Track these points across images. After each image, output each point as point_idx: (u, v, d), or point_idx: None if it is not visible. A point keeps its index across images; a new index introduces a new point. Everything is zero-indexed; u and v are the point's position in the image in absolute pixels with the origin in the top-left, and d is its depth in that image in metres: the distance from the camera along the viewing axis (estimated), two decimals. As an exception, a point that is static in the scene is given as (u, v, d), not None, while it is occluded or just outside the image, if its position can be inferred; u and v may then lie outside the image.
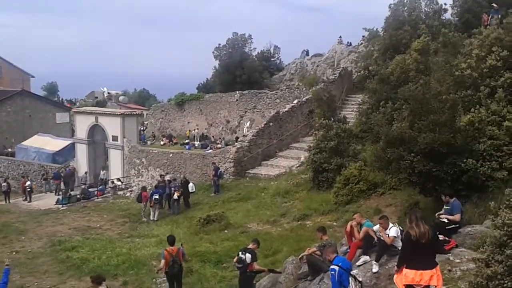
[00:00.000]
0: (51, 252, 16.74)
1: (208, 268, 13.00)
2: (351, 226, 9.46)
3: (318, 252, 9.44)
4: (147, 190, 22.08)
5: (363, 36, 37.17)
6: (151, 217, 20.44)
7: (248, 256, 9.68)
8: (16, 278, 14.16)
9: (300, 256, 9.83)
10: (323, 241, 9.45)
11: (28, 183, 29.04)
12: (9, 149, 38.63)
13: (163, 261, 10.44)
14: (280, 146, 26.88)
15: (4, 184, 29.51)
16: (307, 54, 48.15)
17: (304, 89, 34.25)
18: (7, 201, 28.54)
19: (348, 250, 9.42)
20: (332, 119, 20.55)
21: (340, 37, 45.48)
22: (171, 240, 10.89)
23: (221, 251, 13.94)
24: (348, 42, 44.11)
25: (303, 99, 29.12)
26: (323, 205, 16.14)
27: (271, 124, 26.65)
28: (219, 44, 50.68)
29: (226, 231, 16.27)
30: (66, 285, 13.33)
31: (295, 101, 29.47)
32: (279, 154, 26.22)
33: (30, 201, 28.05)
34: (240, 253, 9.86)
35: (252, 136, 25.55)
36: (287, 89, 37.19)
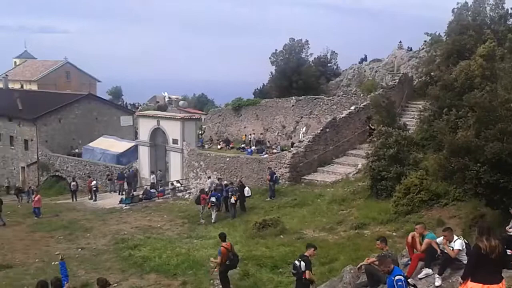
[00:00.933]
0: (115, 250, 17.51)
1: (264, 272, 13.12)
2: (412, 237, 9.24)
3: (377, 263, 9.30)
4: (206, 192, 22.59)
5: (425, 41, 36.16)
6: (212, 219, 20.92)
7: (302, 264, 9.72)
8: (81, 273, 14.95)
9: (358, 265, 9.72)
10: (383, 251, 9.29)
11: (93, 182, 30.63)
12: (76, 150, 40.86)
13: (219, 257, 11.65)
14: (337, 152, 26.62)
15: (73, 183, 31.33)
16: (365, 59, 47.42)
17: (361, 95, 33.74)
18: (74, 199, 30.27)
19: (409, 262, 9.20)
20: (392, 126, 20.11)
21: (400, 42, 44.48)
22: (224, 236, 12.24)
23: (277, 256, 14.02)
24: (408, 47, 43.05)
25: (361, 105, 28.71)
26: (382, 214, 15.82)
27: (327, 130, 26.48)
28: (276, 50, 51.03)
29: (281, 236, 16.33)
30: (128, 282, 13.87)
31: (353, 107, 29.09)
32: (336, 161, 25.98)
33: (95, 200, 29.55)
34: (296, 259, 9.92)
35: (308, 142, 25.50)
36: (344, 95, 36.76)
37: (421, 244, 9.01)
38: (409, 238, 9.37)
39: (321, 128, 26.67)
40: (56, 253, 17.57)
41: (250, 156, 30.66)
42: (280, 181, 23.77)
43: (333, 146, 26.33)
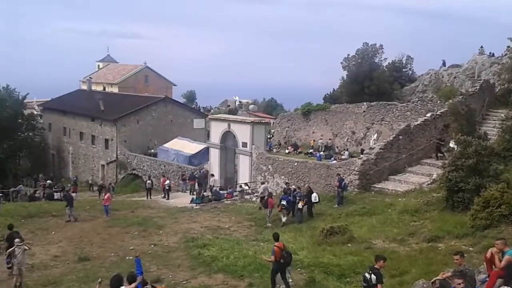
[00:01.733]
0: (185, 248, 18.08)
1: (331, 280, 12.96)
2: (491, 253, 8.74)
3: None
4: (273, 196, 22.71)
5: (508, 47, 33.92)
6: (281, 223, 20.96)
7: (373, 277, 9.48)
8: (153, 269, 15.58)
9: (433, 280, 9.31)
10: (460, 266, 8.84)
11: (167, 182, 31.91)
12: (152, 150, 42.83)
13: (272, 256, 12.32)
14: (410, 161, 25.69)
15: (148, 182, 32.88)
16: (444, 65, 45.35)
17: (438, 101, 32.33)
18: (149, 197, 31.71)
19: (487, 279, 8.69)
20: (471, 135, 19.07)
21: (482, 47, 42.05)
22: (277, 237, 12.99)
23: (344, 265, 13.78)
24: (490, 53, 40.61)
25: (438, 112, 27.51)
26: (458, 228, 15.03)
27: (400, 137, 25.64)
28: (348, 54, 50.32)
29: (349, 244, 16.03)
30: (197, 280, 14.27)
31: (428, 114, 27.94)
32: (408, 170, 25.07)
33: (168, 199, 30.74)
34: (367, 271, 9.69)
35: (380, 149, 24.84)
36: (419, 101, 35.42)
37: (500, 261, 8.48)
38: (488, 254, 8.87)
39: (394, 135, 25.89)
40: (131, 248, 18.52)
41: (319, 161, 30.41)
42: (348, 188, 23.36)
43: (406, 154, 25.44)
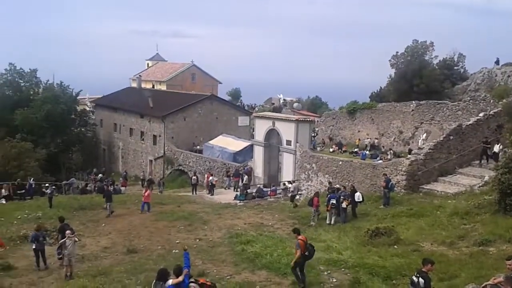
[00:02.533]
0: (229, 244, 18.28)
1: (376, 282, 12.74)
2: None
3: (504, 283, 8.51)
4: (319, 195, 22.52)
5: None
6: (327, 221, 20.85)
7: (421, 280, 9.25)
8: (199, 263, 15.86)
9: (483, 285, 8.98)
10: (513, 272, 8.48)
11: (211, 178, 32.42)
12: (198, 147, 43.60)
13: (297, 250, 12.65)
14: (461, 162, 24.78)
15: (194, 177, 33.53)
16: (497, 63, 43.38)
17: (492, 101, 30.96)
18: (194, 193, 32.33)
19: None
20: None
21: (540, 44, 39.84)
22: (298, 231, 13.54)
23: (390, 267, 13.51)
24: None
25: (491, 112, 26.36)
26: (510, 232, 14.40)
27: (451, 137, 24.78)
28: (397, 52, 49.18)
29: (395, 246, 15.69)
30: (241, 276, 14.39)
31: (481, 114, 26.83)
32: (459, 171, 24.19)
33: (212, 195, 31.24)
34: (414, 275, 9.48)
35: (429, 149, 24.12)
36: (471, 101, 34.01)
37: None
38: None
39: (444, 136, 25.05)
40: (177, 241, 18.98)
41: (364, 161, 29.89)
42: (395, 188, 22.84)
43: (456, 155, 24.57)
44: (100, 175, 41.97)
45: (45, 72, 54.08)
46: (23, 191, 31.24)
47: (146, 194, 25.22)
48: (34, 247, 15.95)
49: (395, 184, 22.93)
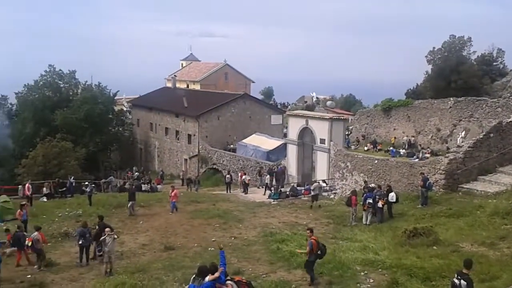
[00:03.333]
0: (264, 242, 18.37)
1: (415, 283, 12.50)
2: None
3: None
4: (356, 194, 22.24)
5: None
6: (364, 221, 20.62)
7: (463, 283, 9.03)
8: (234, 261, 16.00)
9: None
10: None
11: (244, 176, 32.60)
12: (231, 146, 43.94)
13: (309, 248, 13.08)
14: (501, 160, 23.94)
15: (228, 176, 33.82)
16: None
17: (534, 97, 29.81)
18: (228, 191, 32.61)
19: None
20: None
21: None
22: (312, 230, 13.85)
23: (429, 268, 13.23)
24: None
25: (534, 109, 25.36)
26: (555, 233, 13.87)
27: (491, 135, 23.99)
28: (434, 47, 48.03)
29: (434, 247, 15.36)
30: (276, 274, 14.42)
31: (524, 111, 25.87)
32: (500, 170, 23.37)
33: (246, 193, 31.42)
34: (455, 277, 9.26)
35: (468, 147, 23.42)
36: (511, 97, 32.88)
37: None
38: None
39: (484, 133, 24.28)
40: (212, 239, 19.21)
41: (397, 158, 29.32)
42: (433, 188, 22.33)
43: (497, 154, 23.76)
44: (136, 173, 42.99)
45: (83, 74, 55.77)
46: (64, 189, 32.33)
47: (173, 193, 25.14)
48: (80, 243, 16.44)
49: (433, 183, 22.42)
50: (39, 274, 15.52)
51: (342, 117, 35.00)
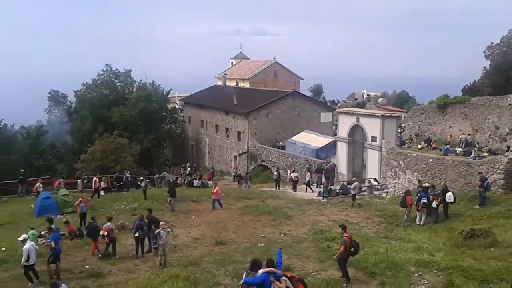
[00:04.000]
0: (313, 240, 18.32)
1: (471, 285, 12.09)
2: None
3: None
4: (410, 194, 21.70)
5: None
6: (417, 221, 20.12)
7: None
8: (284, 258, 16.08)
9: None
10: None
11: (293, 174, 32.57)
12: (280, 143, 43.99)
13: (342, 246, 13.08)
14: None
15: (275, 173, 33.92)
16: None
17: None
18: (277, 188, 32.71)
19: None
20: None
21: None
22: (345, 227, 13.89)
23: (487, 270, 12.75)
24: None
25: None
26: None
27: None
28: (492, 43, 45.88)
29: (492, 249, 14.77)
30: (327, 272, 14.35)
31: None
32: None
33: (295, 190, 31.39)
34: None
35: (530, 146, 22.27)
36: None
37: None
38: None
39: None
40: (262, 235, 19.40)
41: (454, 157, 28.25)
42: (492, 188, 21.40)
43: None
44: (188, 169, 44.02)
45: (137, 72, 57.69)
46: (121, 183, 33.63)
47: (215, 190, 25.11)
48: (136, 235, 17.12)
49: (492, 183, 21.49)
50: (96, 264, 16.27)
51: (395, 114, 34.13)
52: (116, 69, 54.91)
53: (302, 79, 74.58)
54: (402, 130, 43.21)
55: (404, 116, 46.83)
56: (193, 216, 23.54)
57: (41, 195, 26.49)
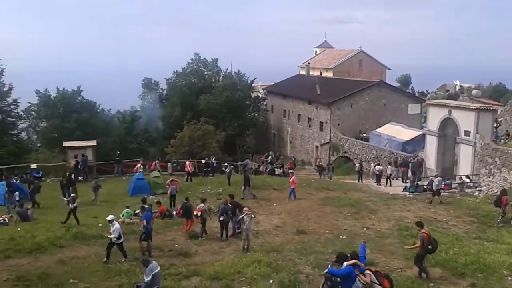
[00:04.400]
0: (398, 236, 17.80)
1: None
2: None
3: None
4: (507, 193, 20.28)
5: None
6: None
7: None
8: (367, 252, 15.82)
9: None
10: None
11: (377, 167, 31.69)
12: (364, 134, 42.94)
13: (419, 242, 12.83)
14: None
15: (357, 165, 33.25)
16: None
17: None
18: (360, 181, 32.09)
19: None
20: None
21: None
22: (422, 224, 13.44)
23: None
24: None
25: None
26: None
27: None
28: None
29: None
30: (412, 270, 13.76)
31: None
32: None
33: (379, 184, 30.58)
34: None
35: None
36: None
37: None
38: None
39: None
40: (344, 228, 19.23)
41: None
42: None
43: None
44: (269, 157, 44.61)
45: (224, 61, 59.27)
46: (209, 169, 34.91)
47: (291, 180, 25.25)
48: (221, 219, 17.82)
49: None
50: (184, 244, 17.14)
51: (491, 108, 31.83)
52: (204, 58, 56.85)
53: (388, 69, 72.00)
54: (498, 125, 40.26)
55: (501, 110, 43.59)
56: (275, 204, 23.89)
57: (135, 176, 28.39)
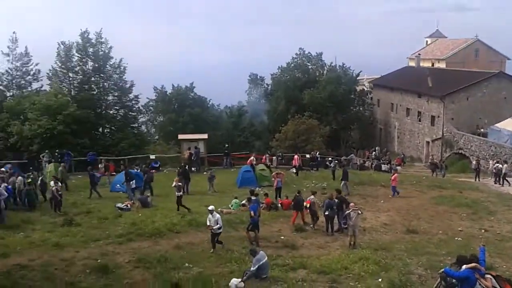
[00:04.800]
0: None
1: None
2: None
3: None
4: None
5: None
6: None
7: None
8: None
9: None
10: None
11: (497, 165, 29.12)
12: (481, 130, 39.75)
13: None
14: None
15: (474, 163, 30.90)
16: None
17: None
18: (477, 180, 29.81)
19: None
20: None
21: None
22: None
23: None
24: None
25: None
26: None
27: None
28: None
29: None
30: None
31: None
32: None
33: (500, 184, 28.15)
34: None
35: None
36: None
37: None
38: None
39: None
40: (459, 229, 18.12)
41: None
42: None
43: None
44: (374, 152, 43.32)
45: (328, 55, 58.62)
46: (314, 163, 34.95)
47: (393, 177, 24.82)
48: (326, 213, 17.86)
49: None
50: (290, 236, 17.42)
51: None
52: (309, 53, 56.81)
53: (508, 59, 65.64)
54: None
55: None
56: (382, 201, 23.27)
57: (243, 168, 29.48)
